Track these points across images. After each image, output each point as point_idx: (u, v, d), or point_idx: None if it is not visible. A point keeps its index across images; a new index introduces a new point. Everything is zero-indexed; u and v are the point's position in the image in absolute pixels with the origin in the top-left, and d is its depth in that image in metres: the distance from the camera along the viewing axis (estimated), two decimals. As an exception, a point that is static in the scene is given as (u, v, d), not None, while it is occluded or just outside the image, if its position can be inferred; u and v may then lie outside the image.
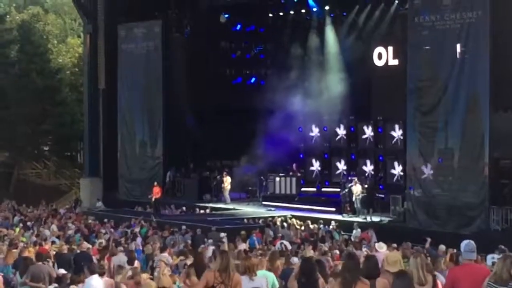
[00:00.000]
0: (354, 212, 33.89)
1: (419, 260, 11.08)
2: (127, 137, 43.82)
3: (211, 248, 22.93)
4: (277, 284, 13.98)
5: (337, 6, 40.87)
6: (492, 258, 20.36)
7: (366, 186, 34.24)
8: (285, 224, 31.74)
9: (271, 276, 14.08)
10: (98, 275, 14.80)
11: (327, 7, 41.07)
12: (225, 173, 40.08)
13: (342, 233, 30.46)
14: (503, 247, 21.52)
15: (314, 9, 41.92)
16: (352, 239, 28.53)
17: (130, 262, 19.20)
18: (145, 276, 17.52)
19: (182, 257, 19.69)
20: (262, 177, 39.70)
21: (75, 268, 19.13)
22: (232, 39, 45.51)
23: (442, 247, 22.02)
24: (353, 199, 33.90)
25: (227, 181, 39.60)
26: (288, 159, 39.87)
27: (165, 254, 20.53)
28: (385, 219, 32.62)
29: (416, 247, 22.70)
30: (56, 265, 19.39)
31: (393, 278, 9.49)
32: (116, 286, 15.58)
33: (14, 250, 20.92)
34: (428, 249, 22.98)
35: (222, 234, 26.83)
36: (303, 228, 31.29)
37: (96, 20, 45.20)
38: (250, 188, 41.33)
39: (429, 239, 24.40)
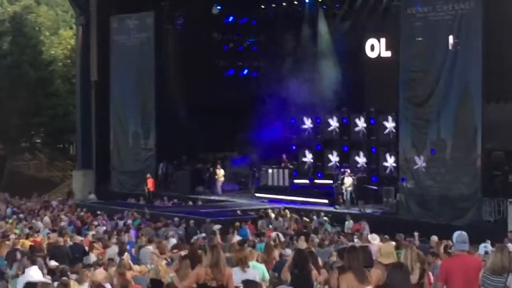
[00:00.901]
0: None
1: (409, 251, 11.13)
2: (120, 129, 43.72)
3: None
4: (267, 275, 13.97)
5: (330, -2, 40.87)
6: (485, 247, 20.40)
7: (357, 177, 34.35)
8: (279, 217, 31.72)
9: (261, 267, 14.07)
10: (37, 267, 14.69)
11: (319, -1, 41.06)
12: (218, 165, 40.09)
13: (335, 224, 30.50)
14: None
15: (307, 1, 41.88)
16: (345, 231, 28.57)
17: (120, 254, 19.21)
18: (138, 268, 17.54)
19: (175, 250, 19.66)
20: (254, 169, 39.71)
21: (71, 260, 19.15)
22: (224, 31, 45.37)
23: (435, 237, 22.07)
24: (343, 190, 33.98)
25: (220, 173, 39.59)
26: (281, 151, 39.84)
27: (150, 247, 20.42)
28: (377, 211, 32.67)
29: (409, 239, 22.75)
30: (49, 257, 19.39)
31: (389, 270, 9.48)
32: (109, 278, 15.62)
33: (7, 242, 20.90)
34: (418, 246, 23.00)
35: (217, 226, 26.83)
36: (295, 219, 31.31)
37: (88, 12, 45.03)
38: (242, 180, 41.34)
39: (416, 233, 24.35)
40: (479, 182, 29.00)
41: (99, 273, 15.38)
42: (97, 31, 44.71)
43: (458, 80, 29.49)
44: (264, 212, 32.83)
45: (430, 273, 12.38)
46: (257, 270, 13.06)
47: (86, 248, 21.38)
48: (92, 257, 19.96)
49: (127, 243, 22.12)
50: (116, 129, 43.87)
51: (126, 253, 19.48)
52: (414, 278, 10.98)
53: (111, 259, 18.11)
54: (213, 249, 11.04)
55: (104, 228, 28.08)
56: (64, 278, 14.73)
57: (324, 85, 39.32)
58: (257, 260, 14.98)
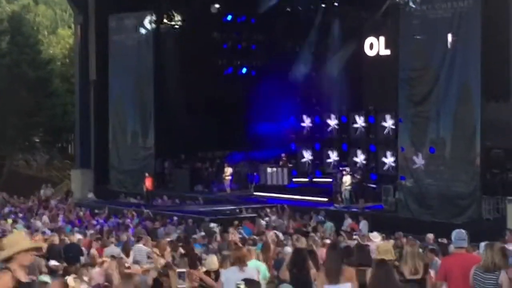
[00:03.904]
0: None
1: (415, 249, 11.09)
2: (118, 128, 43.66)
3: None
4: (268, 274, 13.93)
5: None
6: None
7: (357, 176, 34.32)
8: (278, 216, 31.67)
9: (263, 267, 14.02)
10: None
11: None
12: (225, 164, 39.91)
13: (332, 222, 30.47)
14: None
15: (306, -1, 41.82)
16: (343, 229, 28.51)
17: (125, 253, 19.13)
18: (137, 267, 17.48)
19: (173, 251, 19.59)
20: (253, 168, 39.66)
21: (67, 259, 19.06)
22: (223, 29, 45.30)
23: (430, 235, 22.01)
24: (342, 189, 33.94)
25: (228, 171, 39.22)
26: (280, 150, 39.85)
27: (140, 245, 20.29)
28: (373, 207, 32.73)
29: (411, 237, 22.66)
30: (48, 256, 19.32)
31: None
32: (107, 276, 15.58)
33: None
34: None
35: (213, 225, 26.79)
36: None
37: (87, 11, 44.95)
38: (241, 178, 41.26)
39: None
40: (478, 180, 28.95)
41: (98, 272, 15.37)
42: (95, 30, 44.62)
43: (457, 79, 29.42)
44: (263, 210, 32.80)
45: (431, 271, 12.34)
46: (256, 269, 12.99)
47: (84, 247, 21.29)
48: (90, 257, 19.88)
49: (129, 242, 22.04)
50: (115, 128, 43.81)
51: (132, 252, 19.43)
52: (419, 275, 10.93)
53: (113, 257, 18.05)
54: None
55: (103, 227, 28.02)
56: (66, 277, 14.68)
57: (322, 84, 39.26)
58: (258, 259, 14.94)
